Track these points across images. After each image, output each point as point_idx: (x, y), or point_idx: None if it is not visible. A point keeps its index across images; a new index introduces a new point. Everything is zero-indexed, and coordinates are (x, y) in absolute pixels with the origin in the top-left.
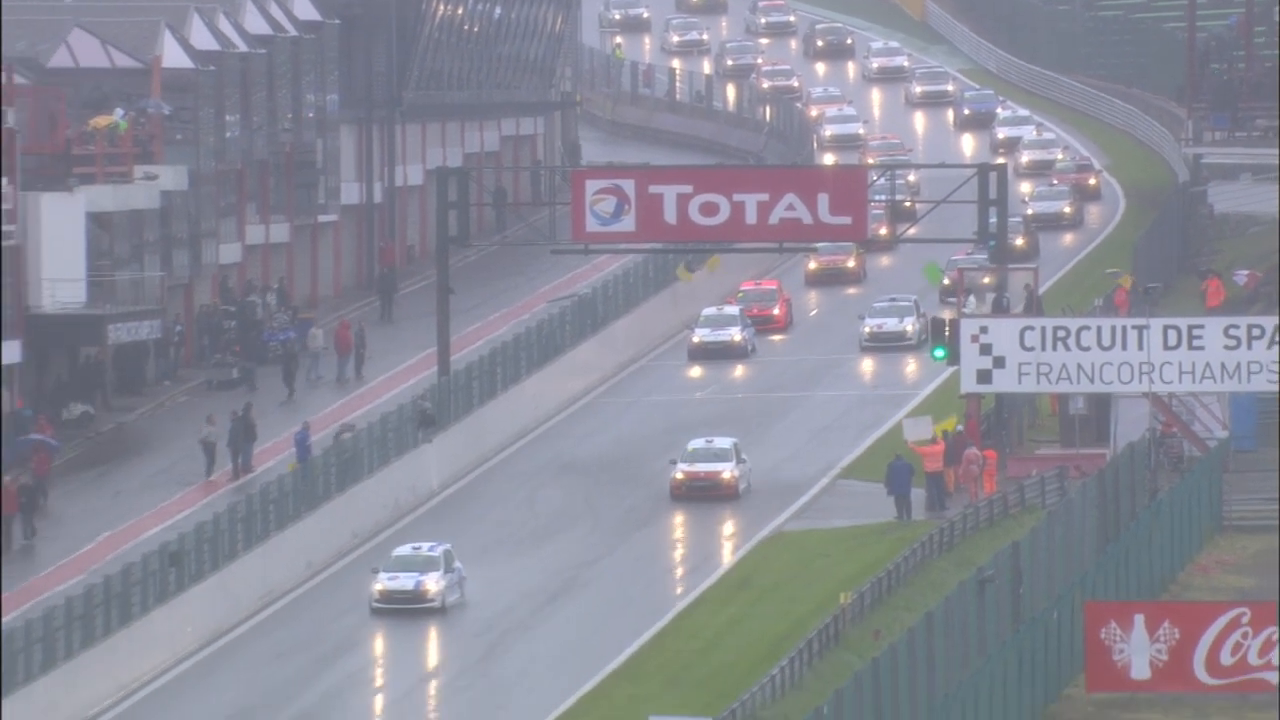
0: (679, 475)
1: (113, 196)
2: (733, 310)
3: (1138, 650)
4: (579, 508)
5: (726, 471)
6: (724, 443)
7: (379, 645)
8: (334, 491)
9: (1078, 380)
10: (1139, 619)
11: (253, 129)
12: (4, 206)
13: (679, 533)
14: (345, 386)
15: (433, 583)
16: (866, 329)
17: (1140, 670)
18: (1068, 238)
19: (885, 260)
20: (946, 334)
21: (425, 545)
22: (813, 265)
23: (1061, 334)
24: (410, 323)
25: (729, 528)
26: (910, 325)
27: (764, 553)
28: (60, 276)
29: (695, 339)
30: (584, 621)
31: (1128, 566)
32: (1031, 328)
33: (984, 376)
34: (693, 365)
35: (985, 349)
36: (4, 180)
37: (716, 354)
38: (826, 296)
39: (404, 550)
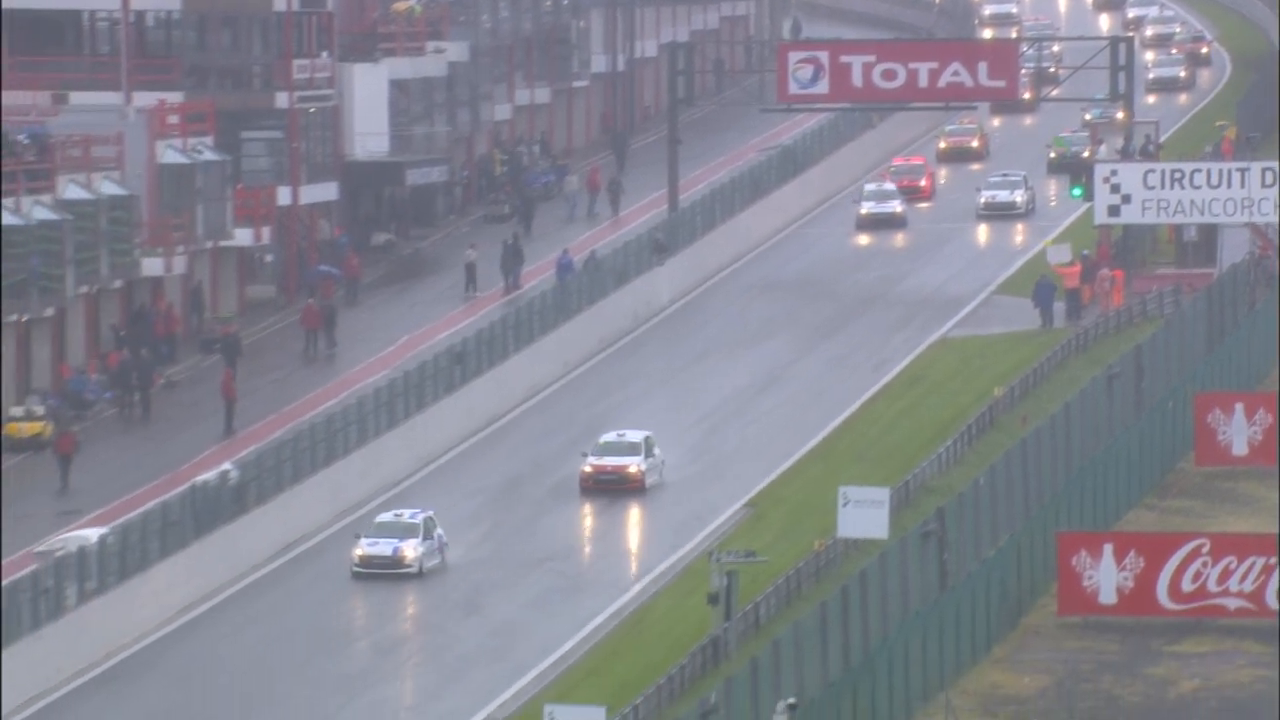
0: (587, 469)
1: (409, 66)
2: (891, 186)
3: (1238, 432)
4: (782, 319)
5: (633, 466)
6: (635, 436)
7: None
8: (585, 304)
9: (1190, 213)
10: (1239, 406)
11: (520, 11)
12: (326, 75)
13: (863, 338)
14: (594, 221)
15: (410, 549)
16: (982, 200)
17: (1239, 448)
18: (1183, 97)
19: (1029, 120)
20: (1084, 176)
21: (407, 512)
22: (943, 144)
23: (1177, 175)
24: (643, 169)
25: (902, 335)
26: (1019, 196)
27: (931, 355)
28: (368, 131)
29: (862, 210)
30: (786, 410)
31: (1231, 364)
32: (1153, 170)
33: (1113, 210)
34: (860, 234)
35: (1115, 188)
36: (326, 54)
37: (883, 224)
38: (955, 171)
39: (386, 517)
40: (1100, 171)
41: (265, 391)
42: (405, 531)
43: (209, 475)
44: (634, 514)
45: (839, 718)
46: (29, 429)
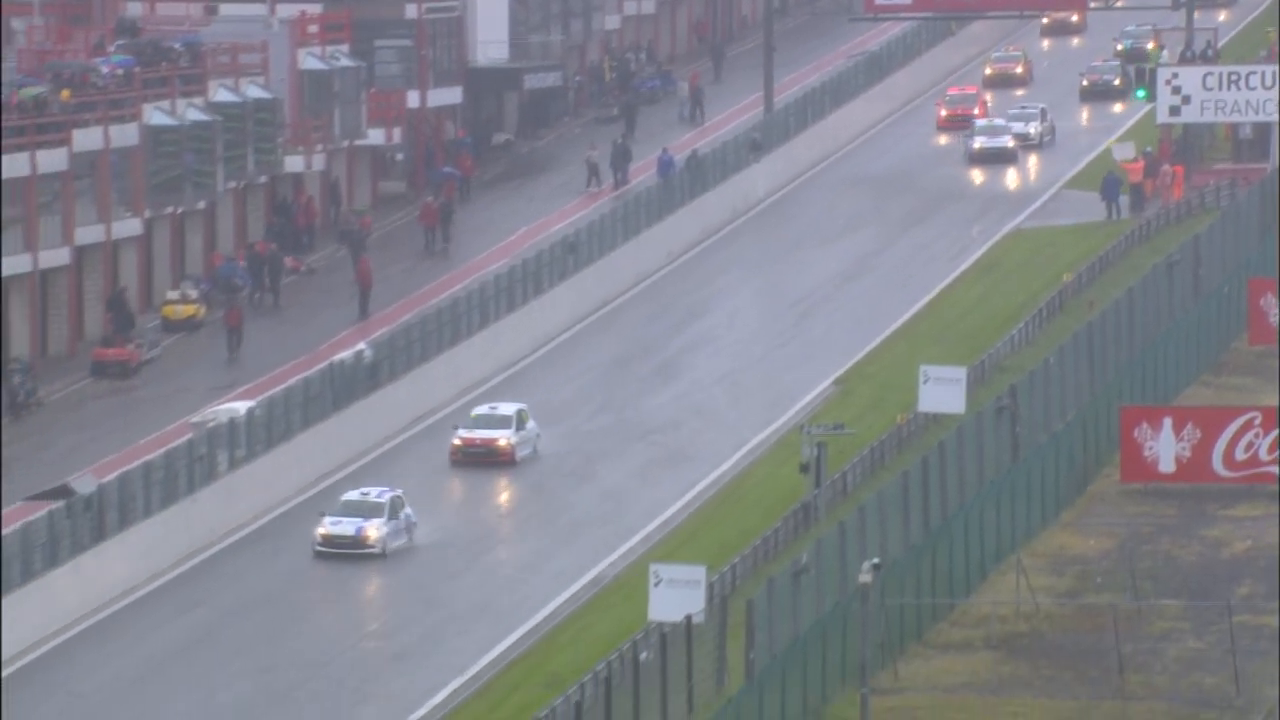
0: (456, 441)
1: None
2: (1002, 121)
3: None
4: (867, 212)
5: (503, 439)
6: (507, 409)
7: (723, 313)
8: (687, 199)
9: (1246, 112)
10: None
11: None
12: None
13: (942, 229)
14: (696, 122)
15: (374, 529)
16: (976, 145)
17: None
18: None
19: (1076, 41)
20: (1148, 79)
21: (374, 490)
22: (989, 70)
23: (1234, 77)
24: (740, 75)
25: (978, 226)
26: (1034, 128)
27: (1005, 245)
28: (490, 39)
29: (976, 145)
30: (871, 295)
31: None
32: (1211, 73)
33: (1174, 110)
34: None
35: (1176, 90)
36: None
37: (993, 159)
38: (999, 95)
39: (352, 495)
40: (1162, 75)
41: (394, 279)
42: (370, 511)
43: (345, 354)
44: (732, 391)
45: (919, 577)
46: (184, 311)
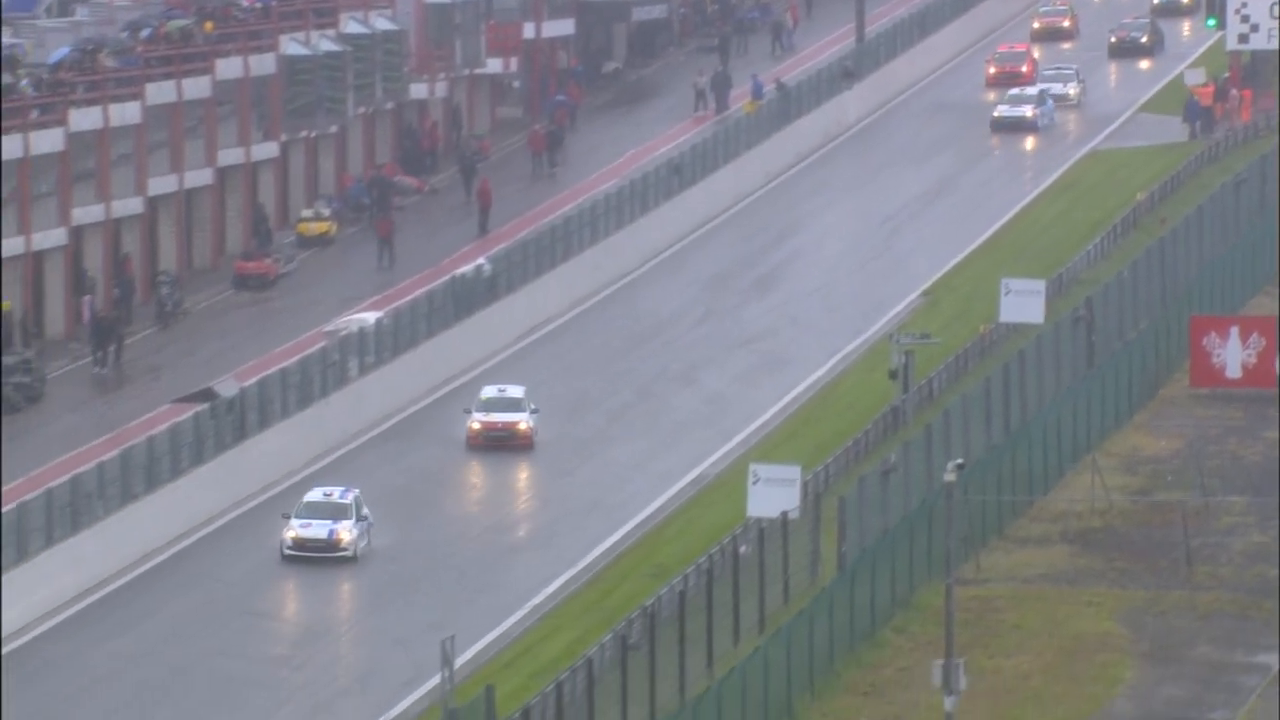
0: (475, 425)
1: None
2: (1033, 91)
3: None
4: (952, 134)
5: (522, 423)
6: (516, 391)
7: (816, 230)
8: (782, 124)
9: None
10: None
11: None
12: None
13: (1028, 148)
14: (793, 51)
15: (346, 531)
16: (996, 114)
17: None
18: None
19: None
20: (1217, 8)
21: (336, 491)
22: (1036, 25)
23: None
24: (832, 7)
25: (1057, 148)
26: (1072, 89)
27: (1083, 165)
28: None
29: (996, 114)
30: (956, 213)
31: None
32: (1276, 2)
33: (1243, 38)
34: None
35: (1244, 18)
36: None
37: (1013, 127)
38: (1047, 50)
39: (315, 496)
40: (1232, 4)
41: (509, 199)
42: (337, 512)
43: (466, 269)
44: (826, 303)
45: (1000, 476)
46: (317, 228)
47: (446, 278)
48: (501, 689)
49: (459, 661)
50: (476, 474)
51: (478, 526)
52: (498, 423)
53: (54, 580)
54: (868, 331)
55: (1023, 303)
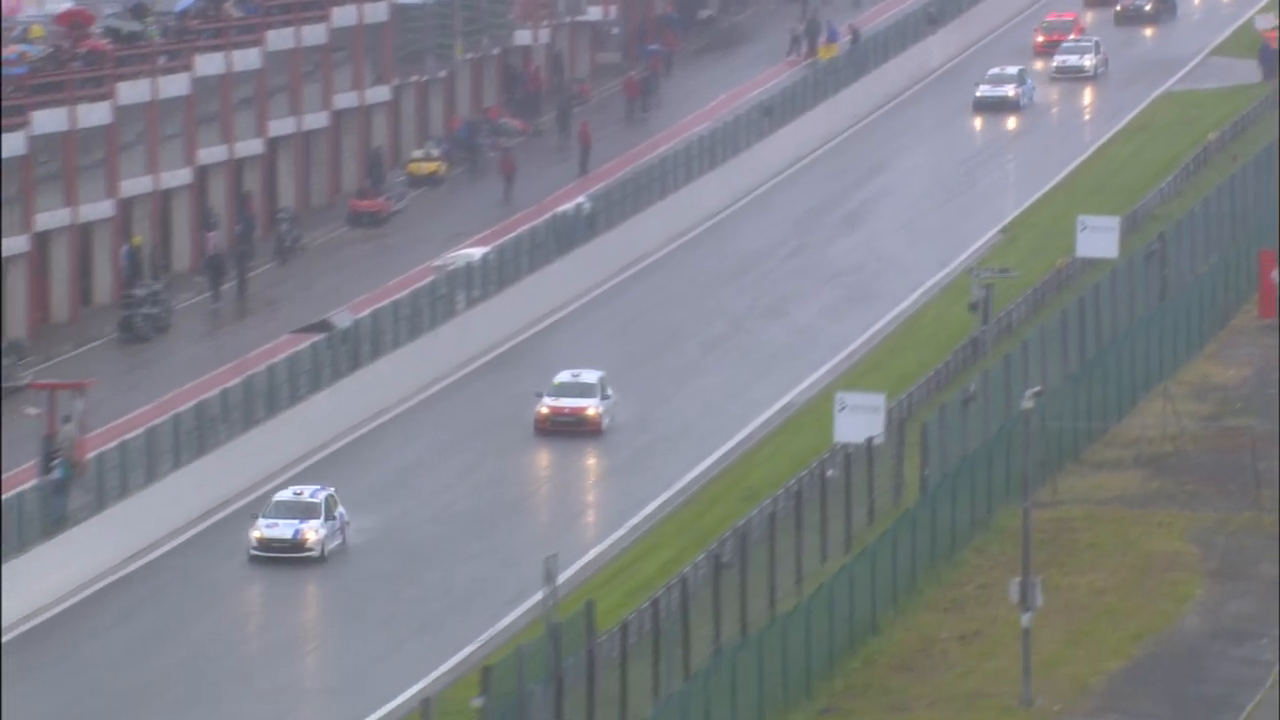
0: (543, 410)
1: None
2: (1013, 71)
3: None
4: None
5: (591, 408)
6: (590, 377)
7: (901, 169)
8: (871, 67)
9: None
10: None
11: None
12: None
13: (1098, 93)
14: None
15: (312, 531)
16: (978, 93)
17: None
18: None
19: None
20: None
21: (307, 490)
22: None
23: None
24: None
25: (1131, 91)
26: (1089, 60)
27: (1155, 108)
28: None
29: (978, 93)
30: (1035, 152)
31: None
32: None
33: None
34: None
35: None
36: None
37: (994, 107)
38: (1098, 14)
39: (285, 495)
40: None
41: (607, 140)
42: (306, 511)
43: (566, 206)
44: (910, 238)
45: (1076, 403)
46: (427, 168)
47: (548, 215)
48: (601, 605)
49: (560, 579)
50: None
51: (579, 451)
52: (565, 408)
53: (183, 500)
54: (949, 266)
55: (1098, 238)
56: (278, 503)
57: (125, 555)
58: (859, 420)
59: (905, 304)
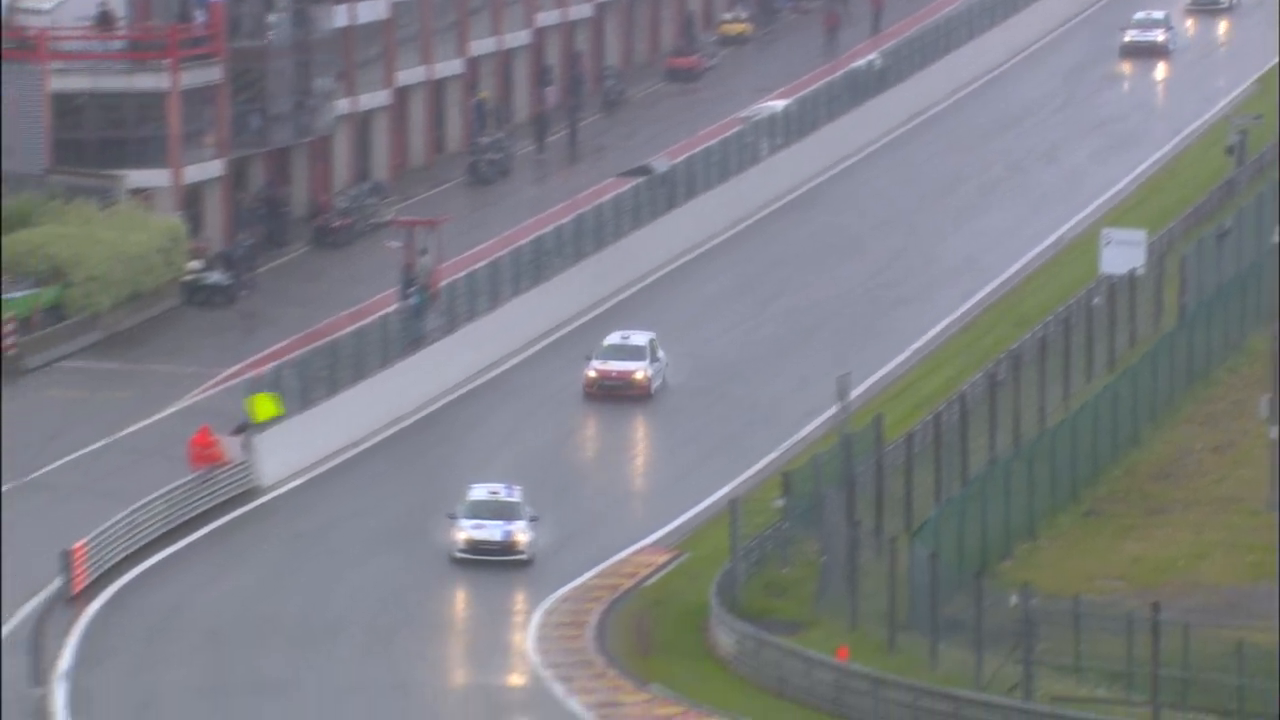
0: (591, 374)
1: None
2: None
3: None
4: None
5: (639, 372)
6: (640, 339)
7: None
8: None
9: None
10: None
11: None
12: None
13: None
14: None
15: (521, 533)
16: (1126, 38)
17: None
18: None
19: None
20: None
21: (502, 489)
22: None
23: None
24: None
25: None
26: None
27: None
28: None
29: (1126, 38)
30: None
31: None
32: None
33: None
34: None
35: None
36: None
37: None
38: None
39: (480, 494)
40: None
41: (898, 2)
42: (509, 512)
43: (859, 62)
44: (1171, 90)
45: None
46: (736, 29)
47: (843, 70)
48: (889, 418)
49: (852, 395)
50: (862, 235)
51: (869, 282)
52: (613, 371)
53: (522, 324)
54: (1207, 114)
55: (1122, 253)
56: (473, 502)
57: (472, 372)
58: (1123, 253)
59: (1166, 149)
